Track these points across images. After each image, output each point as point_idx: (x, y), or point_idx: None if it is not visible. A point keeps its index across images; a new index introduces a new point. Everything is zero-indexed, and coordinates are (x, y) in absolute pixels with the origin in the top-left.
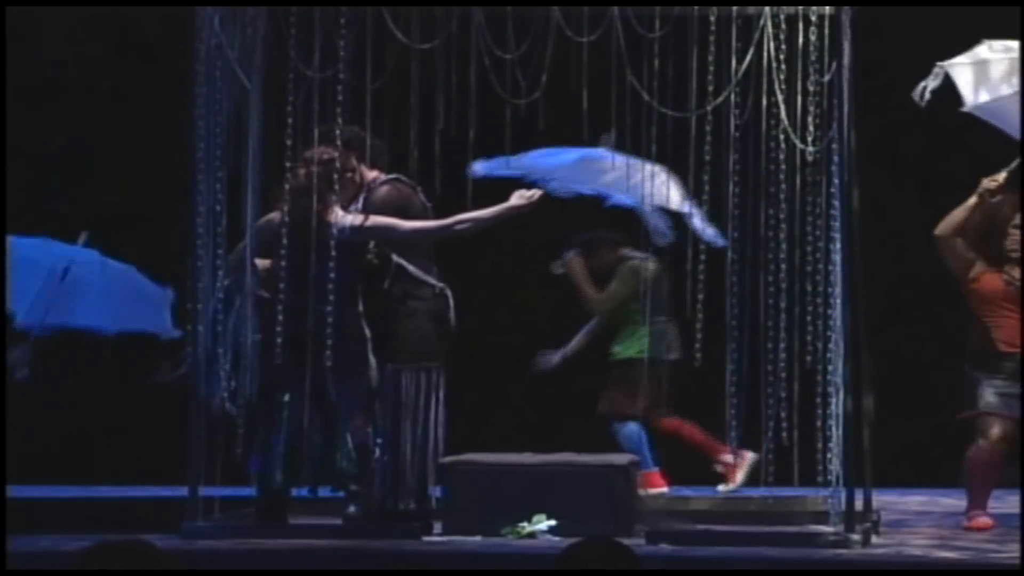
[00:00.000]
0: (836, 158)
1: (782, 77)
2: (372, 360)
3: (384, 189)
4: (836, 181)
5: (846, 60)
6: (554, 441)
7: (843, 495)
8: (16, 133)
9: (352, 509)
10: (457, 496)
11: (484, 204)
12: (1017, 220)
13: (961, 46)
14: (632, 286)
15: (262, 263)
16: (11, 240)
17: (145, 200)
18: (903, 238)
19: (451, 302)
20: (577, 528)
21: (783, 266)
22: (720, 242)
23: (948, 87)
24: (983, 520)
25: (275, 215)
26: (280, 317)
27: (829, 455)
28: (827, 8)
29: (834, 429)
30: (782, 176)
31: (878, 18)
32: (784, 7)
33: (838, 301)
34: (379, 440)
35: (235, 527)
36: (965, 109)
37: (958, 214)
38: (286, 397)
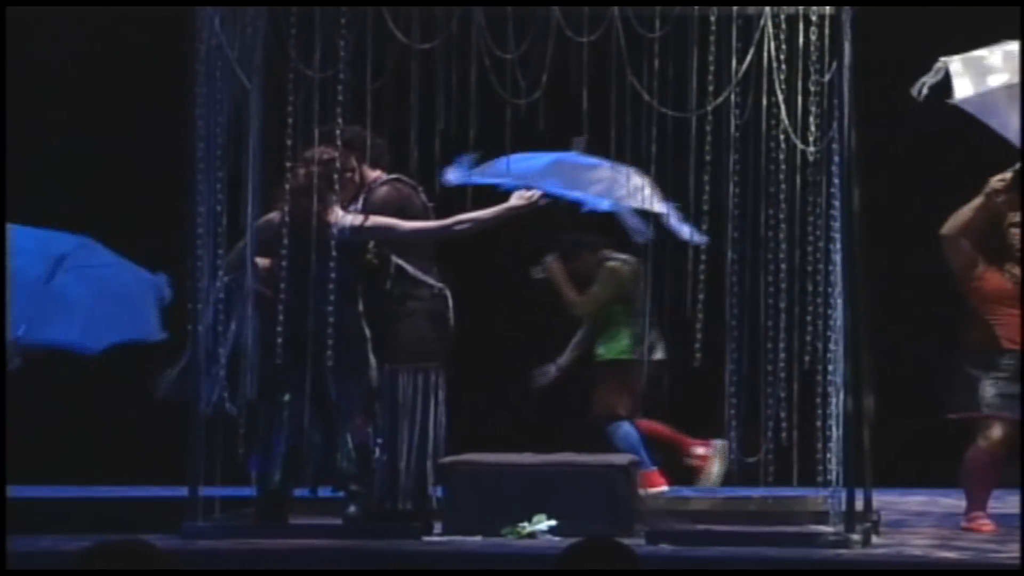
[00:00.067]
0: (836, 158)
1: (782, 77)
2: (372, 360)
3: (383, 189)
4: (836, 181)
5: (846, 60)
6: (554, 441)
7: (843, 495)
8: (16, 133)
9: (352, 509)
10: (457, 496)
11: (484, 204)
12: (1012, 218)
13: (961, 46)
14: (613, 287)
15: (261, 262)
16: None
17: (145, 200)
18: (903, 238)
19: (450, 302)
20: (577, 528)
21: (783, 266)
22: (697, 239)
23: (947, 84)
24: (984, 523)
25: (274, 215)
26: (280, 317)
27: (829, 455)
28: (827, 8)
29: (834, 429)
30: (782, 176)
31: (878, 18)
32: (784, 7)
33: (838, 301)
34: (379, 440)
35: (235, 527)
36: (951, 101)
37: (964, 213)
38: (286, 397)
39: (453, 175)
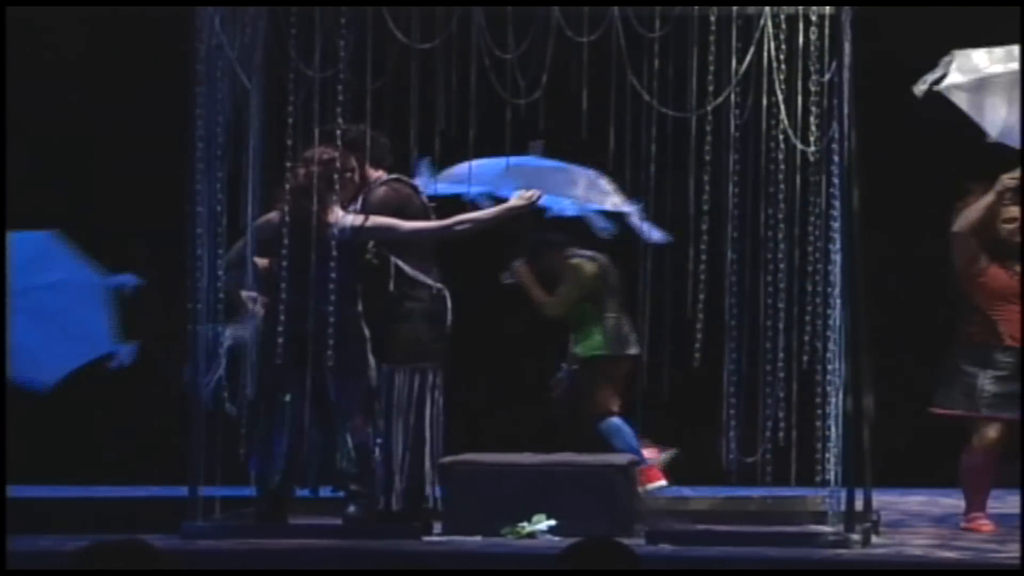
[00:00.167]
0: (836, 158)
1: (782, 77)
2: (372, 360)
3: (382, 190)
4: (836, 181)
5: (846, 60)
6: (554, 441)
7: (843, 495)
8: (16, 133)
9: (352, 509)
10: (457, 496)
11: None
12: (1005, 214)
13: (961, 46)
14: (580, 285)
15: (261, 262)
16: None
17: (145, 200)
18: (903, 238)
19: (449, 303)
20: (577, 528)
21: (783, 266)
22: (657, 238)
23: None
24: (983, 523)
25: (274, 215)
26: (281, 317)
27: (828, 455)
28: (827, 8)
29: (833, 429)
30: (782, 176)
31: (878, 18)
32: (784, 7)
33: (838, 301)
34: (379, 440)
35: (235, 527)
36: (938, 88)
37: (976, 211)
38: (286, 397)
39: (417, 181)
